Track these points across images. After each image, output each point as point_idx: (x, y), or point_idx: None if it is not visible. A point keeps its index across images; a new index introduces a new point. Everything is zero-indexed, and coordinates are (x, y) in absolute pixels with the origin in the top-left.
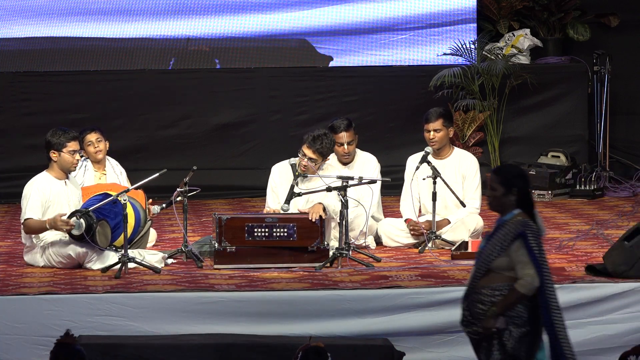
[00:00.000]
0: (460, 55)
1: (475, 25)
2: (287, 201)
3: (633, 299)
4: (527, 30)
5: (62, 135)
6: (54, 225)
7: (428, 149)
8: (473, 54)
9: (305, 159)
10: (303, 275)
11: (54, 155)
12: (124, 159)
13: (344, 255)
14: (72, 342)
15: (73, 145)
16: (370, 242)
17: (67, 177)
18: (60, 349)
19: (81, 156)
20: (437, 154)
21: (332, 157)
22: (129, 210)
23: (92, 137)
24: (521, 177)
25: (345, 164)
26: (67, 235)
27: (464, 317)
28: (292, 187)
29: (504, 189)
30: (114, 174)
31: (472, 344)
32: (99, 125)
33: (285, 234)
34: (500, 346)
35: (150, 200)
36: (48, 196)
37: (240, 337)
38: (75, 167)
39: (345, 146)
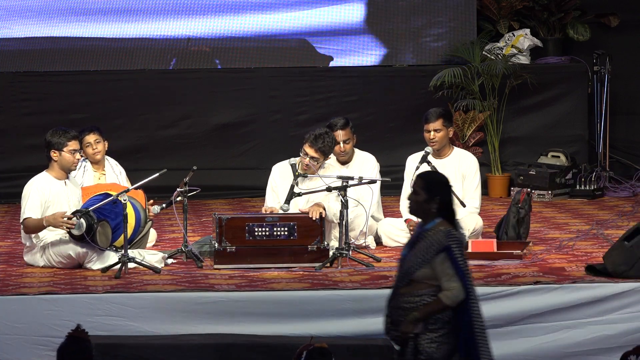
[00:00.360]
0: (460, 55)
1: (475, 25)
2: (287, 201)
3: (633, 299)
4: (527, 30)
5: (62, 135)
6: (52, 222)
7: (428, 148)
8: (473, 54)
9: (307, 159)
10: (303, 275)
11: (54, 154)
12: (124, 159)
13: (344, 255)
14: (83, 336)
15: (73, 145)
16: (370, 242)
17: (67, 177)
18: (70, 343)
19: (81, 155)
20: (437, 153)
21: (332, 157)
22: (129, 211)
23: (90, 138)
24: (445, 186)
25: (343, 163)
26: (66, 235)
27: (386, 324)
28: (292, 187)
29: (427, 195)
30: (113, 174)
31: (397, 350)
32: (99, 125)
33: (286, 233)
34: (416, 350)
35: (151, 201)
36: (48, 196)
37: (240, 337)
38: (76, 167)
39: (342, 144)
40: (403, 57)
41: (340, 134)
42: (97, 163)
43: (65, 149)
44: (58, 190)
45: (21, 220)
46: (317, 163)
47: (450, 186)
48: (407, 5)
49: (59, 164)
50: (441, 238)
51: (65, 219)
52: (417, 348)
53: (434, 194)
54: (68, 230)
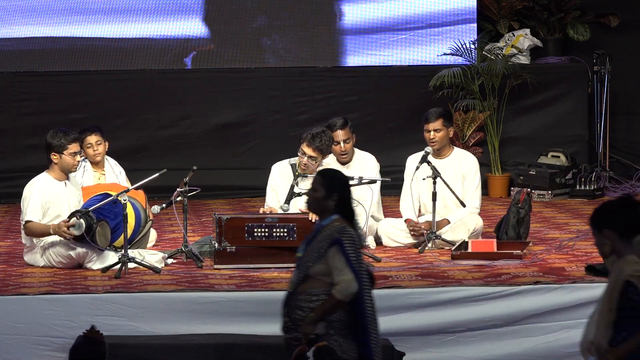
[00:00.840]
0: (460, 55)
1: (475, 25)
2: (287, 201)
3: None
4: (527, 30)
5: (62, 137)
6: (58, 232)
7: (428, 149)
8: (473, 54)
9: (305, 158)
10: None
11: (54, 157)
12: (124, 159)
13: None
14: (97, 337)
15: (74, 148)
16: (370, 242)
17: (67, 178)
18: (84, 343)
19: (81, 156)
20: (437, 153)
21: (331, 158)
22: (129, 210)
23: (92, 139)
24: (343, 184)
25: (343, 163)
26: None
27: (284, 323)
28: (292, 187)
29: (325, 192)
30: (113, 174)
31: (289, 350)
32: (99, 125)
33: (285, 234)
34: (320, 350)
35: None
36: (48, 197)
37: (240, 337)
38: (76, 169)
39: (342, 144)
40: (403, 57)
41: (339, 134)
42: (97, 164)
43: (65, 152)
44: (58, 191)
45: (22, 223)
46: (316, 162)
47: (349, 185)
48: (407, 5)
49: (59, 166)
50: (334, 232)
51: (65, 228)
52: (319, 349)
53: (332, 191)
54: (68, 229)
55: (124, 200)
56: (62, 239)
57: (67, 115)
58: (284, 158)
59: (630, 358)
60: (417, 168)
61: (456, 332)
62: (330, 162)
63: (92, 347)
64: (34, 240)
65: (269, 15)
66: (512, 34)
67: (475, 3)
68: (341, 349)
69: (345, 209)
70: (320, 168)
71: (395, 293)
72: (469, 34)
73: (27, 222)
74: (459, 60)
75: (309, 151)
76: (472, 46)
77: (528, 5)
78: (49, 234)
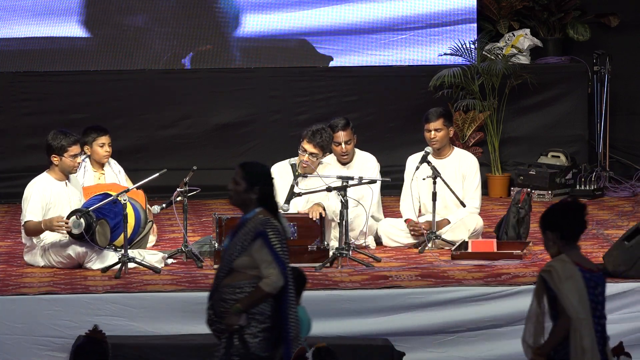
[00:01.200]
0: (460, 55)
1: (475, 25)
2: (287, 201)
3: (633, 299)
4: (527, 30)
5: (63, 139)
6: (49, 226)
7: (428, 149)
8: (473, 54)
9: (306, 155)
10: None
11: (55, 159)
12: (124, 159)
13: (344, 255)
14: (100, 337)
15: (74, 150)
16: (370, 242)
17: (68, 179)
18: (86, 343)
19: (81, 155)
20: (437, 153)
21: (332, 158)
22: (129, 211)
23: (105, 139)
24: (265, 177)
25: (344, 164)
26: (66, 235)
27: (208, 316)
28: (292, 187)
29: (247, 185)
30: (113, 173)
31: (219, 341)
32: (100, 125)
33: None
34: (242, 342)
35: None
36: (49, 198)
37: None
38: (77, 170)
39: (343, 145)
40: (403, 57)
41: (341, 135)
42: (102, 164)
43: (66, 154)
44: (59, 192)
45: (22, 223)
46: (316, 159)
47: (271, 177)
48: (407, 5)
49: (60, 168)
50: (258, 225)
51: (62, 223)
52: (241, 341)
53: (254, 184)
54: (68, 231)
55: (124, 200)
56: (62, 239)
57: (67, 115)
58: (284, 158)
59: (556, 353)
60: (417, 168)
61: (456, 332)
62: (330, 161)
63: (95, 347)
64: (34, 240)
65: (270, 14)
66: (512, 34)
67: (475, 3)
68: (258, 342)
69: (268, 202)
70: (320, 167)
71: (395, 293)
72: (469, 34)
73: (26, 222)
74: (459, 60)
75: (309, 148)
76: (472, 46)
77: (528, 5)
78: (42, 230)
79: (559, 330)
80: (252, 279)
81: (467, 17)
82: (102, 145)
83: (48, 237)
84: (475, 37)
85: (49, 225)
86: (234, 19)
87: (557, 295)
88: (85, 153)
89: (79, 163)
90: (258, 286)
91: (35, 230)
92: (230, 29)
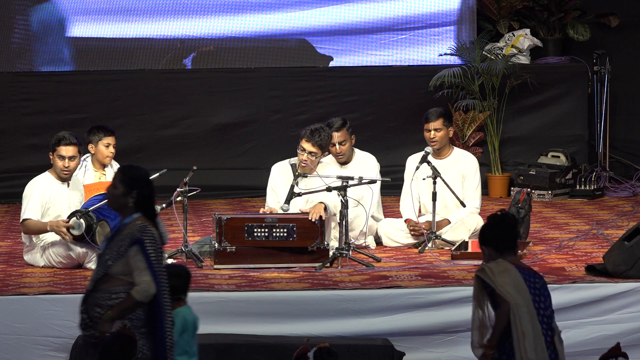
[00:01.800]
0: (460, 55)
1: (475, 25)
2: (287, 201)
3: (633, 299)
4: (527, 30)
5: (63, 140)
6: (56, 229)
7: (428, 149)
8: (473, 54)
9: (305, 154)
10: (303, 275)
11: (50, 157)
12: (124, 159)
13: (344, 255)
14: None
15: (63, 151)
16: (370, 242)
17: (69, 179)
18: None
19: (84, 151)
20: (437, 153)
21: (331, 157)
22: None
23: (111, 140)
24: (144, 181)
25: (342, 163)
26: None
27: (82, 320)
28: (292, 187)
29: (124, 189)
30: (113, 172)
31: (86, 347)
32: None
33: (285, 234)
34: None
35: None
36: (49, 197)
37: (240, 337)
38: (67, 174)
39: (337, 146)
40: (403, 57)
41: (335, 136)
42: (104, 164)
43: (55, 154)
44: (59, 192)
45: (21, 220)
46: (316, 158)
47: (150, 182)
48: (407, 5)
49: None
50: (135, 231)
51: (64, 229)
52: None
53: (132, 188)
54: (68, 230)
55: None
56: (62, 239)
57: (67, 115)
58: (283, 158)
59: (501, 346)
60: (417, 168)
61: (456, 332)
62: (330, 161)
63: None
64: (34, 239)
65: (270, 14)
66: (512, 34)
67: (475, 3)
68: (137, 347)
69: (146, 207)
70: (320, 166)
71: (395, 293)
72: (469, 34)
73: (24, 219)
74: (459, 60)
75: (308, 147)
76: (472, 46)
77: (528, 5)
78: (46, 231)
79: (501, 316)
80: (128, 285)
81: (467, 17)
82: (107, 146)
83: (48, 237)
84: (475, 37)
85: (56, 229)
86: (233, 19)
87: (494, 287)
88: (89, 152)
89: (66, 166)
90: (129, 294)
91: (35, 229)
92: (230, 29)
